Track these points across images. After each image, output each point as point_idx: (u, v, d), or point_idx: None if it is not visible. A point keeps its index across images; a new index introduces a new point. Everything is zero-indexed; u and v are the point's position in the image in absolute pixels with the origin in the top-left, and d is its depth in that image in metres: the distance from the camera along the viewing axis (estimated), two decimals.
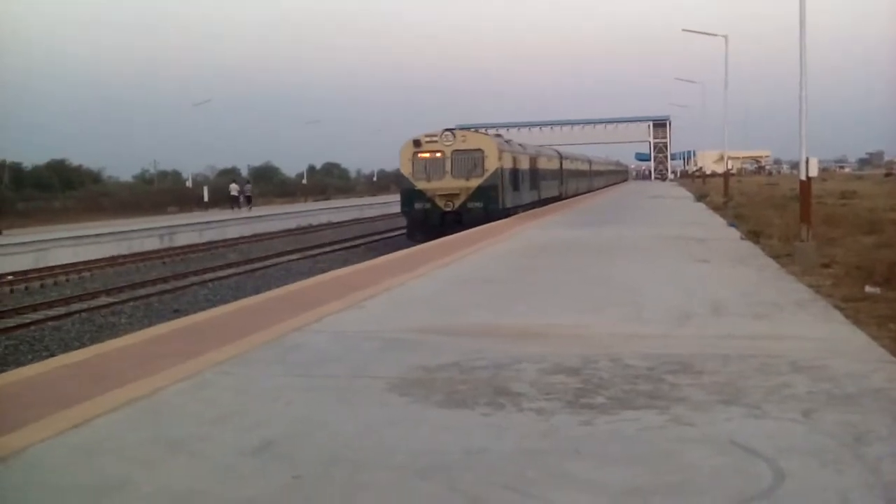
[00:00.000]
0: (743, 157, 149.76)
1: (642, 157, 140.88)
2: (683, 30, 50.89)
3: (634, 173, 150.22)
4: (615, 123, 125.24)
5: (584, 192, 66.35)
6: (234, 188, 59.32)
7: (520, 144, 42.91)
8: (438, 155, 33.57)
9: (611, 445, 5.41)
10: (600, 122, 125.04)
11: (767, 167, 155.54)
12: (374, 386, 7.03)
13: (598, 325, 9.58)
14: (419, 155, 33.69)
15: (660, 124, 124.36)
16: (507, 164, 35.34)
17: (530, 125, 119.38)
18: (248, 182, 65.86)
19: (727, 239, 20.69)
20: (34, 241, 32.35)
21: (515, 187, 36.96)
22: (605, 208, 39.48)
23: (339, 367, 7.85)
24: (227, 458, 5.31)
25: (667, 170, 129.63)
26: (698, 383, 6.80)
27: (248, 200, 59.12)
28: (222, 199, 60.41)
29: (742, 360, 7.58)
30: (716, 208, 36.11)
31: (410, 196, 33.70)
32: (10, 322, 19.85)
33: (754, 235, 21.08)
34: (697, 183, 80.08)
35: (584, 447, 5.37)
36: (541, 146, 54.49)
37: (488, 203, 32.92)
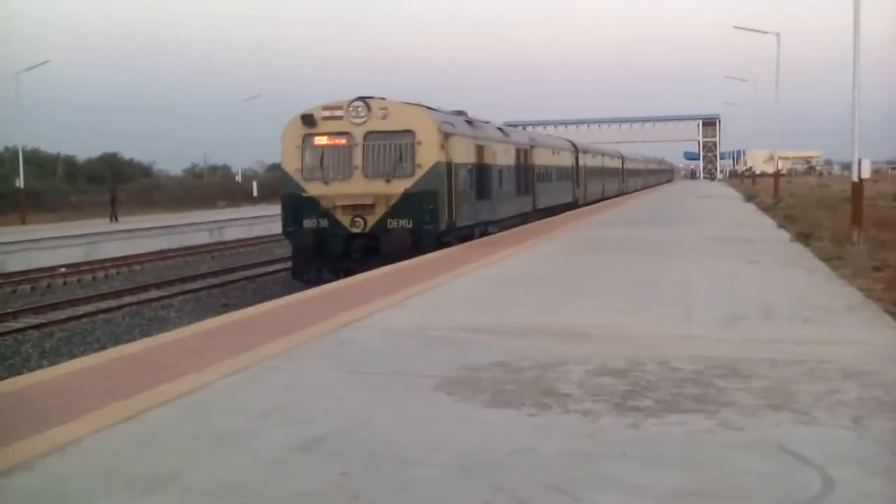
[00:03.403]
0: (793, 157, 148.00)
1: (691, 156, 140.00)
2: (735, 27, 50.24)
3: (682, 172, 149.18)
4: (664, 122, 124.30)
5: (614, 196, 54.47)
6: None
7: (499, 128, 28.92)
8: (342, 140, 20.60)
9: (657, 448, 5.40)
10: (648, 119, 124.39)
11: (818, 168, 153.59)
12: (421, 384, 7.07)
13: (644, 326, 9.54)
14: (312, 139, 20.84)
15: (709, 123, 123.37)
16: (461, 157, 22.24)
17: (577, 122, 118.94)
18: None
19: (777, 240, 20.47)
20: (86, 234, 32.88)
21: (480, 193, 24.10)
22: (648, 210, 39.04)
23: (386, 364, 7.90)
24: (276, 453, 5.38)
25: (716, 169, 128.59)
26: (747, 387, 6.75)
27: None
28: (271, 194, 60.89)
29: (791, 364, 7.52)
30: (765, 209, 35.70)
31: (296, 208, 20.68)
32: (63, 314, 20.19)
33: (804, 237, 20.84)
34: (747, 183, 79.26)
35: (631, 450, 5.37)
36: (546, 135, 44.65)
37: (422, 221, 20.08)
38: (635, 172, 72.77)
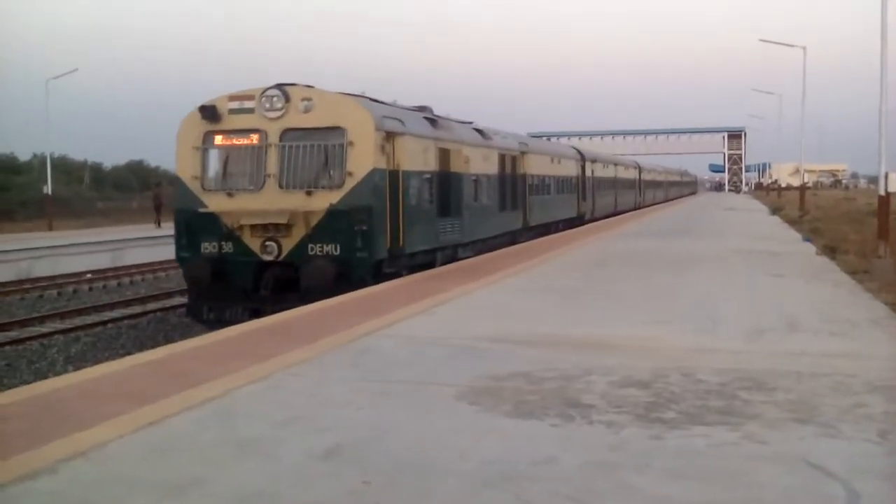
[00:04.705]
0: (819, 171, 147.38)
1: (716, 169, 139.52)
2: (761, 40, 50.13)
3: (708, 185, 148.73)
4: (689, 134, 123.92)
5: (629, 210, 49.84)
6: None
7: (477, 130, 23.25)
8: (253, 140, 16.06)
9: (681, 461, 5.36)
10: (674, 132, 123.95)
11: (844, 181, 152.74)
12: (443, 393, 7.06)
13: (669, 338, 9.50)
14: (215, 138, 16.38)
15: (735, 135, 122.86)
16: (414, 163, 17.52)
17: (603, 134, 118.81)
18: None
19: (802, 253, 20.33)
20: (111, 241, 33.12)
21: (444, 209, 19.26)
22: (670, 222, 38.82)
23: (408, 372, 7.90)
24: (298, 461, 5.39)
25: (741, 181, 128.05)
26: (771, 400, 6.70)
27: None
28: None
29: (816, 377, 7.46)
30: (791, 222, 35.50)
31: (192, 227, 16.30)
32: (89, 319, 20.33)
33: (830, 250, 20.69)
34: (772, 196, 78.85)
35: (654, 461, 5.33)
36: (544, 140, 39.22)
37: (352, 246, 15.42)
38: (654, 184, 68.10)
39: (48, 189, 46.04)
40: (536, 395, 6.97)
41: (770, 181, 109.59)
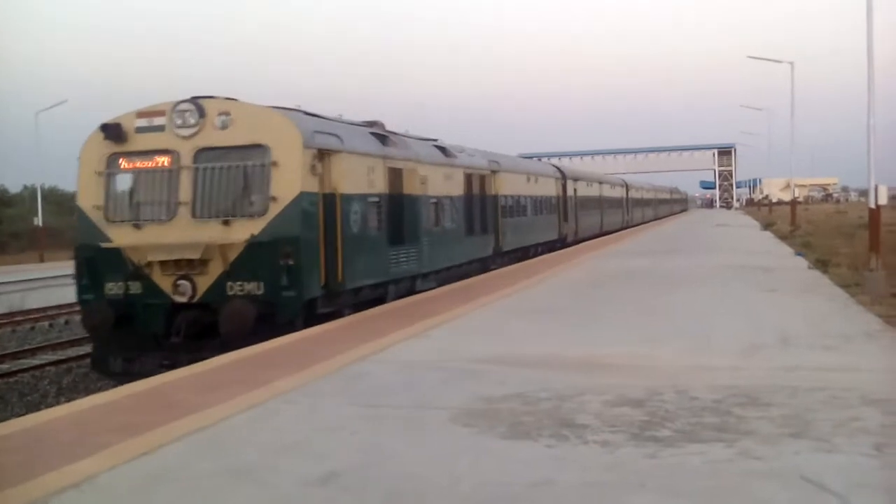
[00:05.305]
0: (810, 185, 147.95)
1: (707, 185, 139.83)
2: (749, 56, 50.26)
3: (699, 201, 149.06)
4: (679, 151, 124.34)
5: (616, 230, 47.59)
6: None
7: (438, 147, 21.22)
8: (163, 161, 13.85)
9: (676, 479, 5.34)
10: (664, 150, 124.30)
11: (835, 195, 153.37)
12: (438, 417, 7.03)
13: (663, 356, 9.49)
14: (120, 161, 14.12)
15: (725, 152, 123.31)
16: (356, 185, 15.26)
17: (593, 154, 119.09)
18: None
19: (794, 268, 20.37)
20: None
21: (396, 236, 16.96)
22: (660, 241, 38.77)
23: (402, 397, 7.87)
24: (293, 489, 5.35)
25: (732, 198, 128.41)
26: (766, 416, 6.69)
27: None
28: None
29: (811, 392, 7.45)
30: (783, 237, 35.60)
31: (94, 266, 13.90)
32: (82, 350, 20.22)
33: (822, 264, 20.75)
34: (763, 211, 79.13)
35: (650, 480, 5.31)
36: (518, 158, 34.30)
37: (277, 284, 13.13)
38: (643, 202, 65.78)
39: (39, 220, 45.96)
40: (531, 415, 6.94)
41: (761, 197, 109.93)
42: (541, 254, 29.16)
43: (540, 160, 37.43)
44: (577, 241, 35.46)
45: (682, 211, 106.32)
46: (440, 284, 19.03)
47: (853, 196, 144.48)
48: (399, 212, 17.06)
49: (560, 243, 33.00)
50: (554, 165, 37.00)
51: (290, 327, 12.80)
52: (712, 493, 5.07)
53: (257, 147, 13.42)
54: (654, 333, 11.07)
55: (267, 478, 5.58)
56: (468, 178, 22.28)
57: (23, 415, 10.04)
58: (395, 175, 17.08)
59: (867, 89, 19.58)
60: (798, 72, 45.10)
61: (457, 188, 21.26)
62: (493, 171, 24.77)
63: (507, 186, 26.00)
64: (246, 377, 8.90)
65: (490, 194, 24.24)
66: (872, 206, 19.19)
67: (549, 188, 32.31)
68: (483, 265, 23.27)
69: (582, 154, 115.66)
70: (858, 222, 37.75)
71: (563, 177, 35.16)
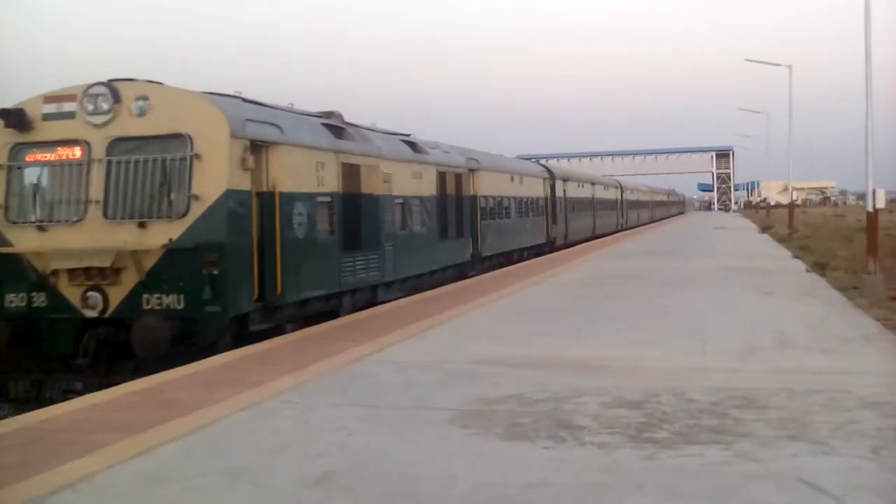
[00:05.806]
0: (808, 188, 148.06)
1: (705, 188, 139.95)
2: (746, 60, 50.33)
3: (697, 204, 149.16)
4: (677, 154, 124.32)
5: (610, 233, 46.30)
6: None
7: (408, 142, 19.29)
8: (73, 152, 12.01)
9: (674, 481, 5.34)
10: (662, 152, 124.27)
11: (833, 198, 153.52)
12: (435, 417, 7.03)
13: (660, 357, 9.49)
14: (24, 153, 12.32)
15: (723, 155, 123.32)
16: (300, 182, 13.47)
17: (591, 155, 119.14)
18: None
19: (792, 271, 20.37)
20: None
21: (352, 241, 15.17)
22: (657, 244, 38.69)
23: (399, 397, 7.86)
24: (289, 489, 5.35)
25: (730, 200, 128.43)
26: (764, 418, 6.69)
27: None
28: None
29: (808, 395, 7.45)
30: (780, 240, 35.57)
31: None
32: None
33: (820, 267, 20.73)
34: (761, 214, 79.11)
35: (647, 482, 5.31)
36: (500, 156, 30.16)
37: (198, 297, 11.26)
38: (638, 204, 63.72)
39: None
40: (528, 417, 6.94)
41: (759, 199, 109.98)
42: (526, 259, 27.85)
43: (538, 162, 36.91)
44: (566, 245, 33.99)
45: (679, 213, 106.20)
46: (409, 294, 17.51)
47: (851, 199, 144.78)
48: (356, 214, 15.26)
49: (548, 247, 31.65)
50: (542, 165, 35.44)
51: (213, 348, 11.11)
52: (710, 494, 5.07)
53: (177, 137, 11.61)
54: (652, 335, 11.06)
55: (263, 478, 5.57)
56: (442, 177, 20.36)
57: (18, 414, 10.00)
58: (352, 172, 15.24)
59: (865, 93, 19.59)
60: (796, 75, 45.22)
61: (428, 187, 19.40)
62: (472, 170, 23.00)
63: (488, 186, 24.37)
64: (243, 377, 8.90)
65: (468, 194, 22.48)
66: (870, 209, 19.18)
67: (536, 188, 30.73)
68: (460, 272, 21.72)
69: (580, 156, 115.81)
70: (856, 225, 37.80)
71: (552, 177, 33.63)
